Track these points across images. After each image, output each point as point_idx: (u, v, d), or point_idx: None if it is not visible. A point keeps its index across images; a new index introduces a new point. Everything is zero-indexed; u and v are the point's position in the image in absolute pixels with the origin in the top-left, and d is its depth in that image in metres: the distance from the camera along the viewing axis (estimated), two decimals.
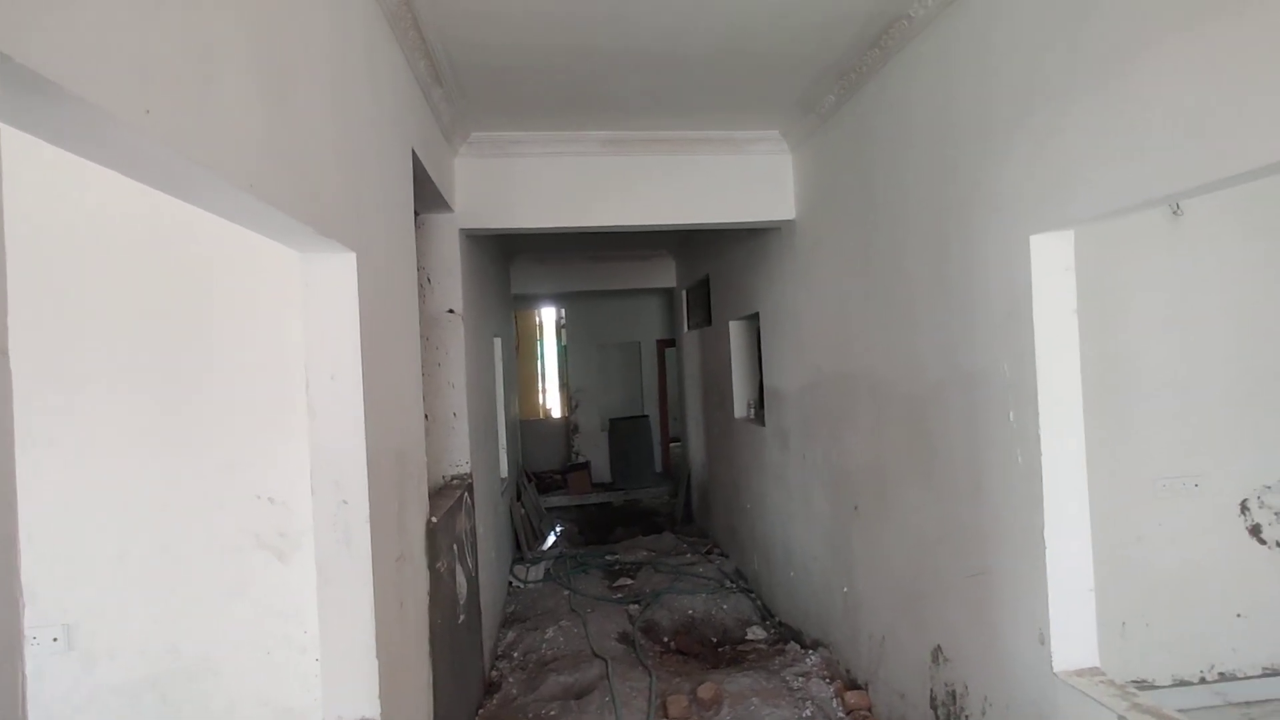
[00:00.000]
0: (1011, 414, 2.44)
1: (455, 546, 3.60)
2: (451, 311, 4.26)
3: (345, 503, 2.07)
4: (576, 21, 2.92)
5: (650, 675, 4.19)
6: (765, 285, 5.13)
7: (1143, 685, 3.31)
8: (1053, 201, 2.20)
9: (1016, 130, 2.35)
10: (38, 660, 2.44)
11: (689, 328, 8.07)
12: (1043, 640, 2.34)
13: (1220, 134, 1.64)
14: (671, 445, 11.11)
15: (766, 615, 5.32)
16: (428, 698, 2.78)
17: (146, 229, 2.31)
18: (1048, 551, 2.30)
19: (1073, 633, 2.31)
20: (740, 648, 4.86)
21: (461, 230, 4.31)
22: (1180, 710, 3.43)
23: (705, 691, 3.81)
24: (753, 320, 5.61)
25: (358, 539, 2.07)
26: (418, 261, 4.21)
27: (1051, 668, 2.31)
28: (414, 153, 3.04)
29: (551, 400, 12.28)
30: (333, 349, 2.06)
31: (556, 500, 9.76)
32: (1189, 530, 3.33)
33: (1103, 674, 2.28)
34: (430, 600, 2.91)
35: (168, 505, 2.46)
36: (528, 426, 11.40)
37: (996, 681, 2.62)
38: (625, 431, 10.68)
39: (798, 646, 4.56)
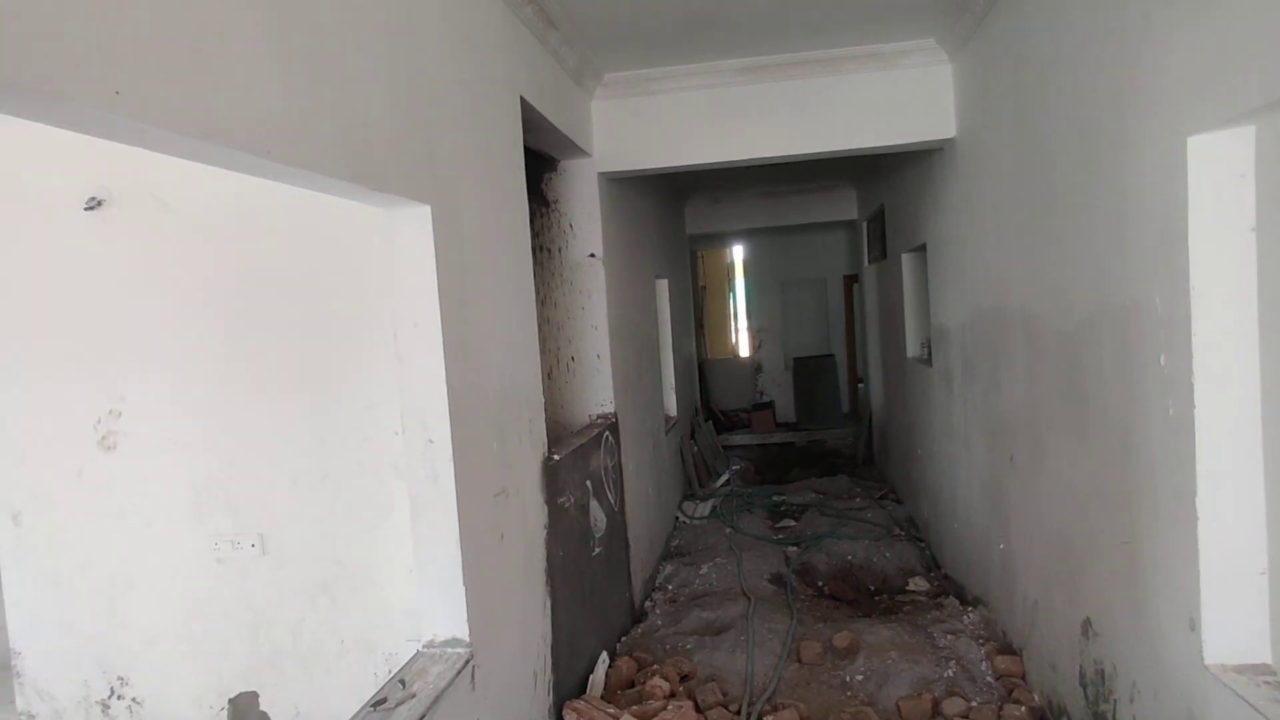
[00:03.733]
0: (1162, 357, 2.03)
1: (589, 482, 3.76)
2: (593, 256, 4.34)
3: (431, 441, 2.23)
4: None
5: (792, 618, 4.14)
6: (931, 213, 4.66)
7: None
8: (1216, 92, 1.75)
9: (1173, 4, 1.89)
10: (243, 561, 2.92)
11: (869, 262, 7.59)
12: (1193, 626, 1.97)
13: None
14: (859, 385, 10.63)
15: (933, 566, 5.01)
16: (543, 622, 2.97)
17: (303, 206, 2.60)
18: (1200, 523, 1.92)
19: (1233, 621, 1.92)
20: (899, 598, 4.63)
21: (601, 174, 4.34)
22: None
23: (841, 640, 3.69)
24: (922, 252, 5.14)
25: (443, 475, 2.23)
26: (560, 208, 4.34)
27: (1202, 659, 1.95)
28: (524, 100, 3.09)
29: (741, 339, 12.21)
30: (413, 297, 2.19)
31: (740, 439, 9.78)
32: None
33: (1273, 673, 1.88)
34: (549, 533, 3.07)
35: (324, 438, 2.81)
36: (718, 366, 11.45)
37: (1147, 666, 2.27)
38: (809, 371, 10.38)
39: (957, 602, 4.25)
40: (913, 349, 5.71)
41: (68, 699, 2.92)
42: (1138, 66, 2.08)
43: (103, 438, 2.80)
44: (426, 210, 2.16)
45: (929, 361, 5.06)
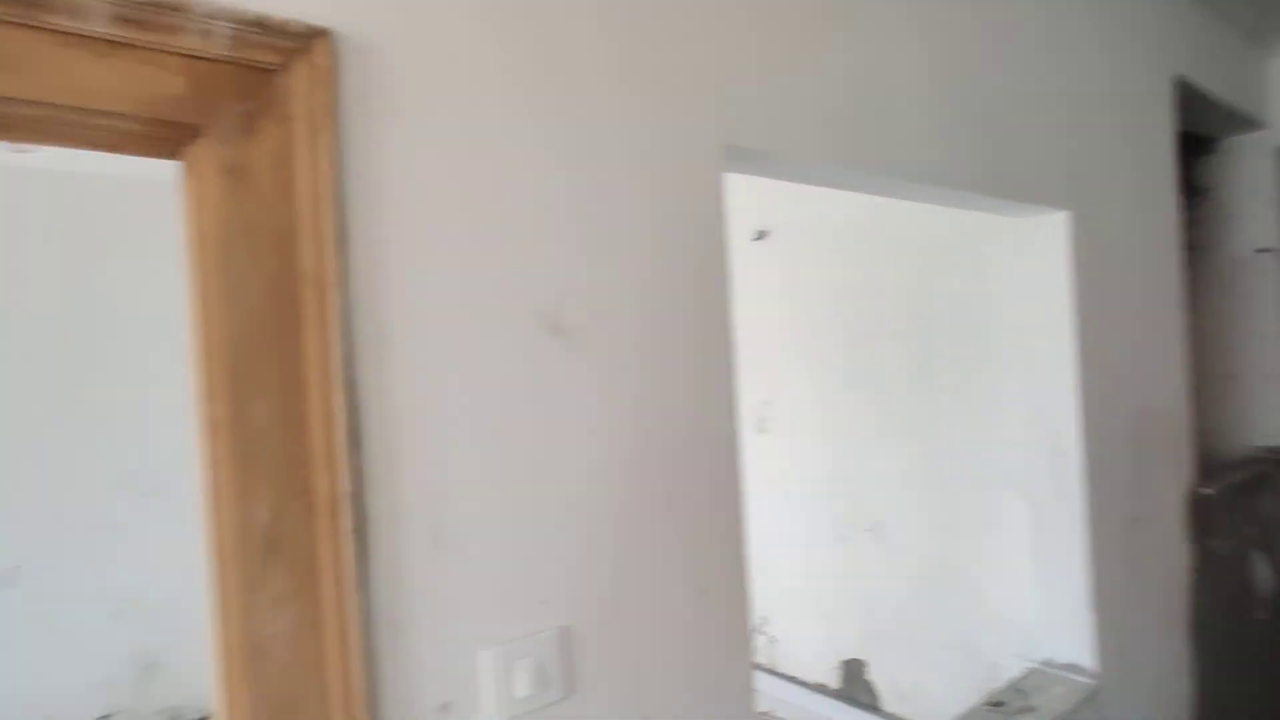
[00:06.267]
0: None
1: (1251, 529, 3.07)
2: (1266, 250, 3.52)
3: (1059, 454, 2.15)
4: None
5: None
6: None
7: None
8: None
9: None
10: (858, 543, 3.31)
11: None
12: None
13: None
14: None
15: None
16: (1180, 679, 2.56)
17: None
18: None
19: None
20: None
21: (1277, 148, 3.49)
22: None
23: None
24: None
25: (1070, 491, 2.13)
26: (1215, 196, 3.66)
27: None
28: (1178, 79, 2.70)
29: None
30: (1045, 304, 2.15)
31: None
32: None
33: None
34: (1192, 577, 2.63)
35: (934, 443, 2.98)
36: None
37: None
38: None
39: None
40: None
41: None
42: None
43: (759, 421, 3.48)
44: (1063, 216, 2.10)
45: None
